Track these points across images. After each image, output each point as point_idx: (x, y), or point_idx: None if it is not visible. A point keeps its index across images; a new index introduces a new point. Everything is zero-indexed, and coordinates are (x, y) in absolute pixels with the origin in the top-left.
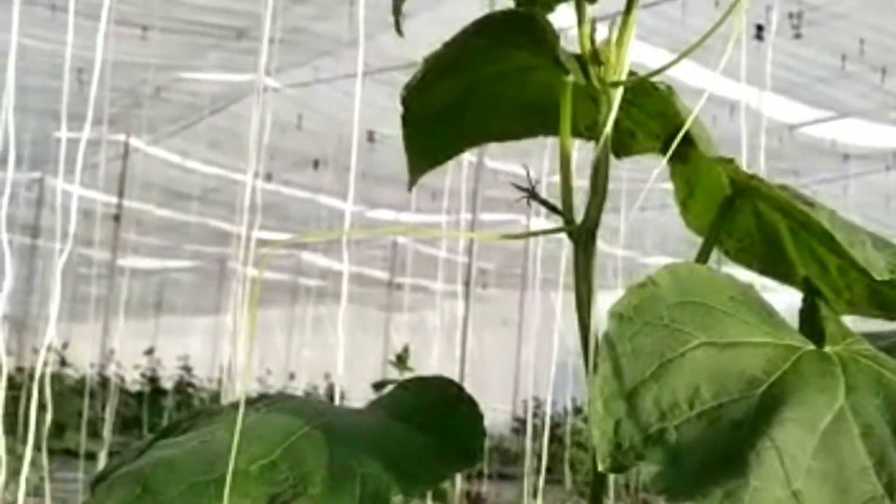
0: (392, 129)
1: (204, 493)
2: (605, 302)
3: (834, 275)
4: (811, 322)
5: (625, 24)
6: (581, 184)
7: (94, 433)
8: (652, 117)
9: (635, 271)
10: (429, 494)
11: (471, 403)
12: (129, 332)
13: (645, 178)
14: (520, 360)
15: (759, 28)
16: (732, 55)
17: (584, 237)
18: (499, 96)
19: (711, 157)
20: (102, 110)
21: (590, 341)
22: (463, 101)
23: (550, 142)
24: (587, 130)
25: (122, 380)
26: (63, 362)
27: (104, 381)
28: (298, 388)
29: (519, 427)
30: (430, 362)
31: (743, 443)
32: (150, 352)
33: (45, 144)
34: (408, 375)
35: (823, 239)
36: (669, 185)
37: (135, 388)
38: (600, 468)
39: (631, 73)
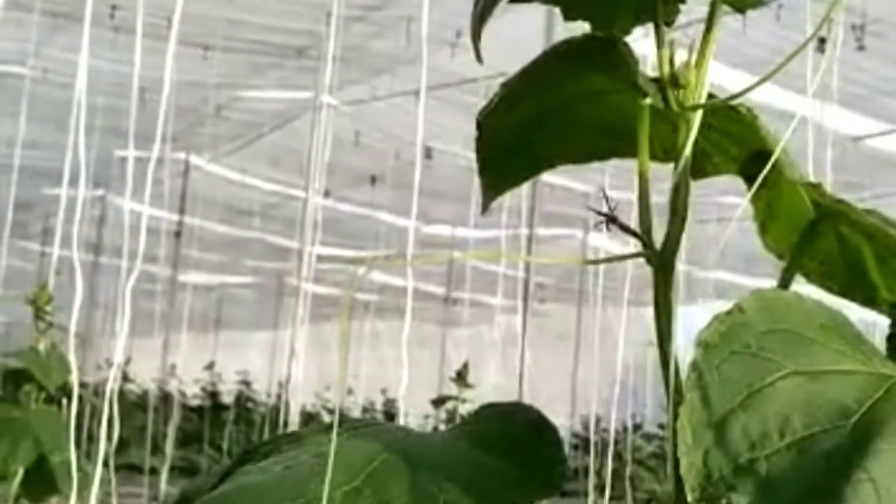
0: (448, 145)
1: None
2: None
3: None
4: None
5: (704, 46)
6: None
7: (156, 447)
8: (732, 140)
9: (693, 286)
10: None
11: (553, 430)
12: (190, 347)
13: (706, 193)
14: (576, 375)
15: (822, 41)
16: (796, 68)
17: (664, 261)
18: (575, 119)
19: (795, 180)
20: (165, 129)
21: (670, 367)
22: (539, 124)
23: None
24: (663, 153)
25: (184, 395)
26: (125, 377)
27: (165, 397)
28: (357, 403)
29: (578, 443)
30: (487, 378)
31: (836, 474)
32: (210, 366)
33: (106, 163)
34: (467, 392)
35: None
36: (727, 199)
37: (194, 402)
38: (689, 499)
39: (709, 95)
